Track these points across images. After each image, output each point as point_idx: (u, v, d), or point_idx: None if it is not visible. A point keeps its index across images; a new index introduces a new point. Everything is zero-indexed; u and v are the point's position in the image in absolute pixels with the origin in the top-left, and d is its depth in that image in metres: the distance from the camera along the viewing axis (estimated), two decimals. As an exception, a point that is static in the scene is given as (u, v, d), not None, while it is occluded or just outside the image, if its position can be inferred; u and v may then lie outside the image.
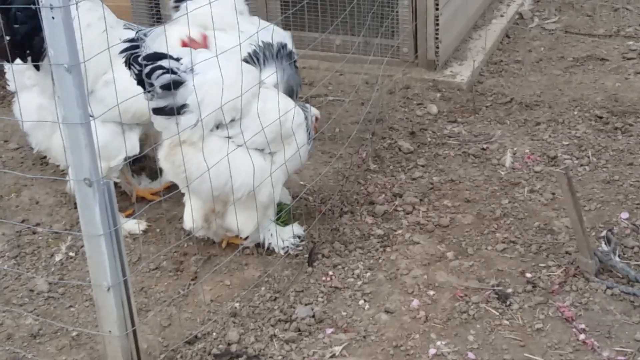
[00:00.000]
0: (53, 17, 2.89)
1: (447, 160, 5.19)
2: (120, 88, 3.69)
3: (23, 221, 4.75)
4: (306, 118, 4.32)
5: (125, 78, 3.89)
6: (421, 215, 4.65)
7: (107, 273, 3.24)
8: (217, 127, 3.98)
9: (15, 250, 4.50)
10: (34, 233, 4.66)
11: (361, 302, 4.03)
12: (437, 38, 6.09)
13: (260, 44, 4.39)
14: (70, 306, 4.13)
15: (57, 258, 4.46)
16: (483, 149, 5.28)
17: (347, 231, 4.52)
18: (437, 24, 6.06)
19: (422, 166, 5.12)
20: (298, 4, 5.86)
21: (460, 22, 6.56)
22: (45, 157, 5.07)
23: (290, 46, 4.50)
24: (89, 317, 4.02)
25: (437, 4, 6.02)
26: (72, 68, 2.94)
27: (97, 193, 3.12)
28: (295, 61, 4.51)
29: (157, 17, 6.69)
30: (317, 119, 4.52)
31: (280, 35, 4.47)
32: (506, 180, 4.95)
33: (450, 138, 5.44)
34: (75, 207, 3.23)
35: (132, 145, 4.43)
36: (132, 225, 4.60)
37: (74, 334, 3.93)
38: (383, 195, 4.83)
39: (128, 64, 3.81)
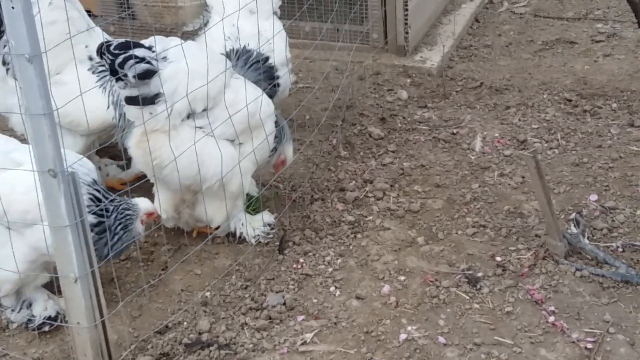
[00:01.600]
0: (13, 7, 2.84)
1: (418, 146, 5.19)
2: (65, 92, 3.64)
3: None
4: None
5: (74, 84, 3.58)
6: (392, 201, 4.65)
7: (74, 264, 3.21)
8: (188, 116, 3.95)
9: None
10: (2, 225, 4.61)
11: (332, 288, 4.03)
12: (406, 23, 6.08)
13: (239, 47, 4.39)
14: (40, 298, 4.09)
15: (26, 250, 4.42)
16: (453, 133, 5.29)
17: (317, 218, 4.51)
18: (407, 9, 6.05)
19: (393, 152, 5.12)
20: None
21: (430, 7, 6.56)
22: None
23: (271, 62, 4.51)
24: (58, 309, 3.99)
25: (406, -11, 6.02)
26: (34, 58, 2.89)
27: (62, 184, 3.08)
28: (274, 78, 4.52)
29: (127, 6, 6.62)
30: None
31: (269, 50, 4.46)
32: (476, 164, 4.96)
33: (420, 123, 5.44)
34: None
35: None
36: (102, 216, 4.56)
37: (44, 326, 3.91)
38: (353, 182, 4.83)
39: (100, 53, 3.75)
